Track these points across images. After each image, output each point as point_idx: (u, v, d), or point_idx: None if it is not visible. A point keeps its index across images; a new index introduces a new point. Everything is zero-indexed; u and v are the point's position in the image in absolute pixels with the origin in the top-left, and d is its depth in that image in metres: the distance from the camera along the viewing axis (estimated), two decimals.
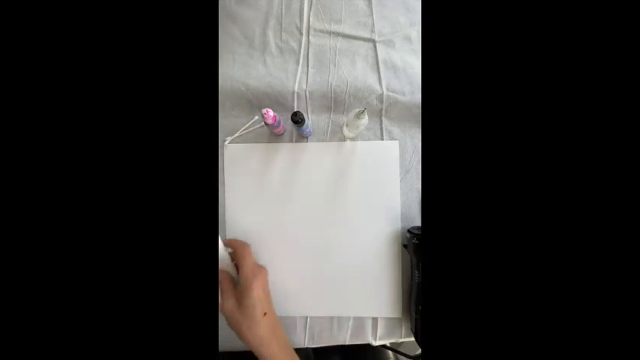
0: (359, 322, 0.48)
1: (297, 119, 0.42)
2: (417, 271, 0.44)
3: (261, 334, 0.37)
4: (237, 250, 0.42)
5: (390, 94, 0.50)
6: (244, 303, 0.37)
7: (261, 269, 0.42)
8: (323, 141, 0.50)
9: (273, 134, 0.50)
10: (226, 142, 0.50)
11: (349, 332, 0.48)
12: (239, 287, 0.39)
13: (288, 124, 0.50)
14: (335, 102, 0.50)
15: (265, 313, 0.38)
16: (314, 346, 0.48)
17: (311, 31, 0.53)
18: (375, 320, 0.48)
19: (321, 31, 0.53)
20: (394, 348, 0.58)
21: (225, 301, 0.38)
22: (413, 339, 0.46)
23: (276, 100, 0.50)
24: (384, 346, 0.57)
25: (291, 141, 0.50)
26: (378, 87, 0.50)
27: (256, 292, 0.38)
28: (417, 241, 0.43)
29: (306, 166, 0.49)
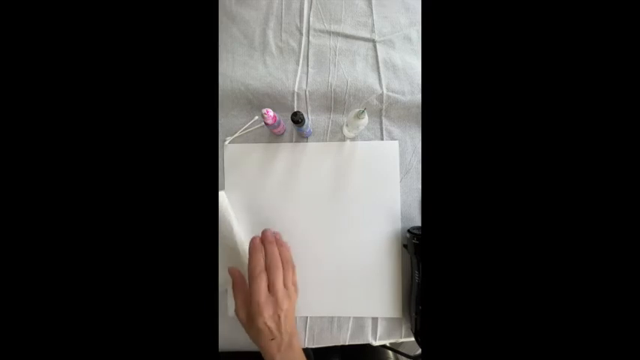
0: (359, 322, 0.48)
1: (297, 119, 0.42)
2: (417, 271, 0.44)
3: (270, 353, 0.37)
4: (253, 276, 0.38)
5: (390, 94, 0.50)
6: (252, 325, 0.37)
7: (275, 300, 0.37)
8: (323, 141, 0.50)
9: (273, 134, 0.50)
10: (226, 142, 0.50)
11: (349, 332, 0.48)
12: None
13: (288, 124, 0.50)
14: (335, 102, 0.50)
15: (273, 339, 0.37)
16: (314, 346, 0.48)
17: (311, 31, 0.53)
18: (375, 320, 0.48)
19: (321, 31, 0.53)
20: (394, 348, 0.58)
21: (239, 310, 0.38)
22: (413, 339, 0.46)
23: (276, 100, 0.50)
24: (384, 346, 0.57)
25: (291, 141, 0.50)
26: (378, 87, 0.50)
27: (261, 325, 0.36)
28: (417, 241, 0.43)
29: (306, 166, 0.49)
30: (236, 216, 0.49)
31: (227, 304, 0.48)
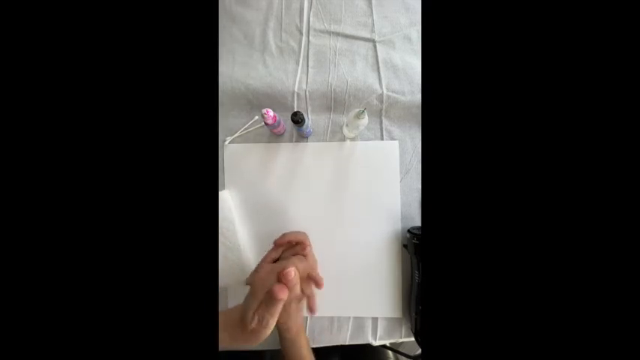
0: (359, 322, 0.48)
1: (297, 119, 0.42)
2: (417, 271, 0.44)
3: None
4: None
5: (390, 94, 0.50)
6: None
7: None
8: (323, 141, 0.50)
9: (273, 134, 0.50)
10: (226, 142, 0.50)
11: (349, 332, 0.48)
12: None
13: (288, 124, 0.50)
14: (335, 102, 0.50)
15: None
16: (314, 346, 0.48)
17: (311, 31, 0.53)
18: (375, 320, 0.48)
19: (321, 31, 0.53)
20: (394, 348, 0.58)
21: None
22: (413, 339, 0.46)
23: (276, 100, 0.51)
24: (384, 346, 0.57)
25: (291, 141, 0.50)
26: (378, 87, 0.50)
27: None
28: (417, 241, 0.43)
29: (306, 166, 0.49)
30: (239, 216, 0.49)
31: (227, 304, 0.48)
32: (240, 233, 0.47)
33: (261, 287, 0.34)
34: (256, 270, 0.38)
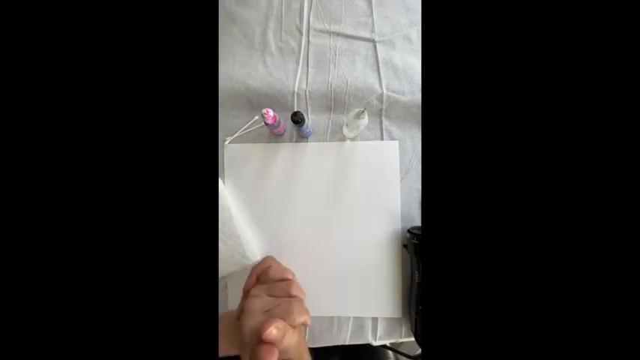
0: (359, 322, 0.48)
1: (297, 119, 0.42)
2: (417, 271, 0.44)
3: None
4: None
5: (390, 94, 0.50)
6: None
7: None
8: (323, 141, 0.50)
9: (273, 134, 0.50)
10: (226, 142, 0.50)
11: (349, 332, 0.48)
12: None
13: (288, 124, 0.50)
14: (335, 102, 0.50)
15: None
16: (314, 346, 0.48)
17: (311, 31, 0.53)
18: (375, 320, 0.48)
19: (321, 31, 0.53)
20: (394, 348, 0.58)
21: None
22: (413, 339, 0.46)
23: (276, 100, 0.51)
24: (384, 346, 0.57)
25: (291, 141, 0.50)
26: (378, 87, 0.50)
27: None
28: (417, 241, 0.43)
29: (306, 166, 0.49)
30: (237, 205, 0.49)
31: (227, 304, 0.48)
32: (238, 222, 0.48)
33: (249, 341, 0.33)
34: (247, 313, 0.35)
